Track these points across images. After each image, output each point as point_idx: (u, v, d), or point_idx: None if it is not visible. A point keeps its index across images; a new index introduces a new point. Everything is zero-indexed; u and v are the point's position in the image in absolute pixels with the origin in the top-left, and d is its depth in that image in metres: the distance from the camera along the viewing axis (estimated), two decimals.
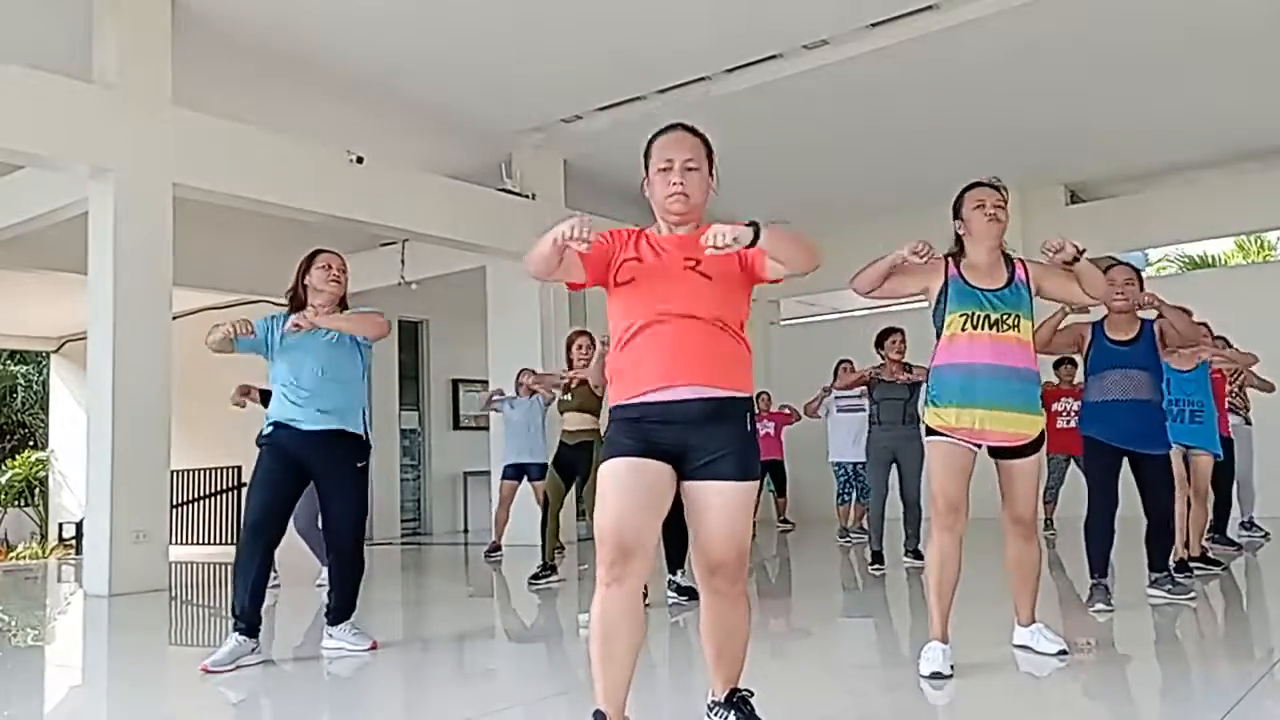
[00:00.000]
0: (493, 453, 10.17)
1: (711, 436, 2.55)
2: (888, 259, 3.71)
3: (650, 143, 2.77)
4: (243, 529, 4.36)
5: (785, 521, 11.24)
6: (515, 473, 8.86)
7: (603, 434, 2.80)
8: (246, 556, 4.27)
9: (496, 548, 8.83)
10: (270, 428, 4.38)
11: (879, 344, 7.26)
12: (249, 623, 4.21)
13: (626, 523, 2.46)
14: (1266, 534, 8.19)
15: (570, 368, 6.71)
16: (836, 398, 9.27)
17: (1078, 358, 5.53)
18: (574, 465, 6.64)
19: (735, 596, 2.64)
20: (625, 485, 2.50)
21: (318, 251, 4.63)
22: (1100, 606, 4.80)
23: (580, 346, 6.67)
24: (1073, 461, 9.09)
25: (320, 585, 6.76)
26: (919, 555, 7.02)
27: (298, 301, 4.53)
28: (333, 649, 4.46)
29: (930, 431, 3.75)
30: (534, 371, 8.64)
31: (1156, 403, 4.95)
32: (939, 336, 3.77)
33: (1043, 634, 3.90)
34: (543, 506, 6.98)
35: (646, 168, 2.76)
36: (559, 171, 10.68)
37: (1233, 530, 7.71)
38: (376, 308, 4.63)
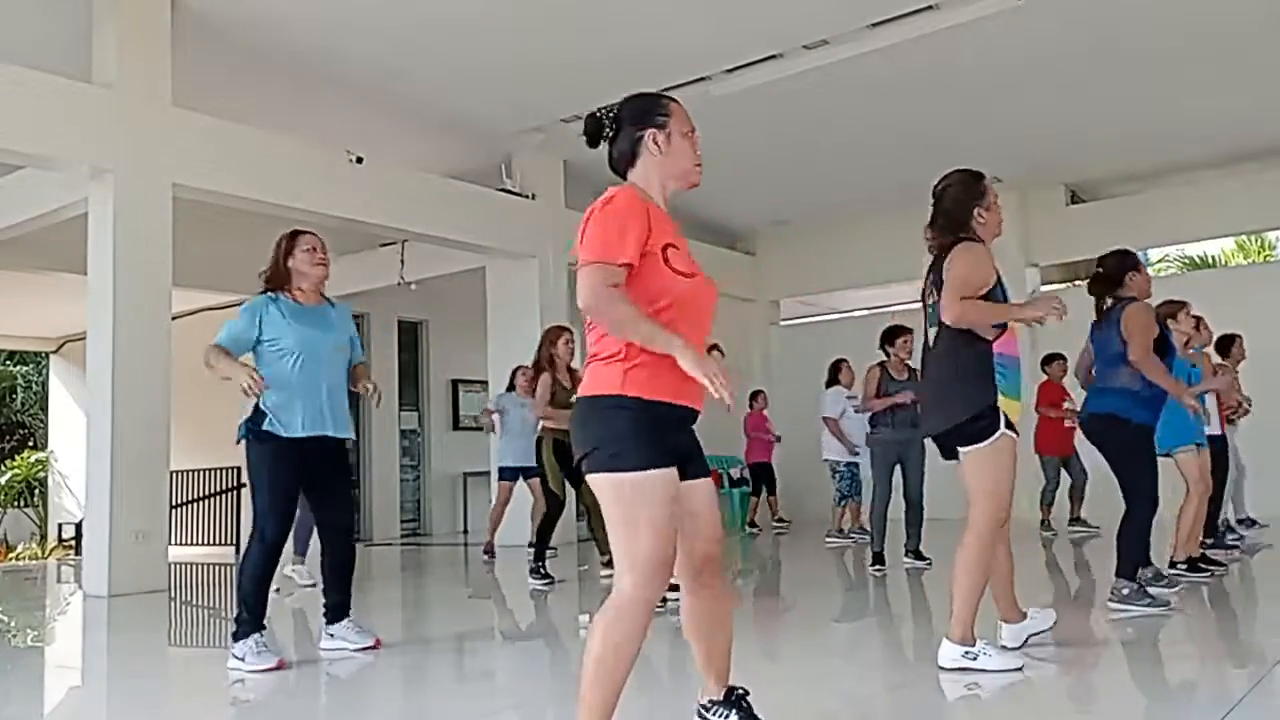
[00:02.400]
0: (493, 453, 10.16)
1: (692, 436, 2.61)
2: (1013, 313, 3.62)
3: (663, 103, 2.65)
4: (264, 536, 4.15)
5: (779, 520, 11.51)
6: (513, 475, 8.84)
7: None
8: (269, 561, 4.19)
9: (491, 549, 8.83)
10: (274, 429, 4.18)
11: (888, 341, 7.18)
12: (260, 621, 4.18)
13: (672, 546, 2.39)
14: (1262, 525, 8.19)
15: (552, 364, 6.69)
16: (850, 398, 9.20)
17: (1066, 353, 5.48)
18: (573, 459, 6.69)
19: (722, 587, 2.66)
20: (670, 506, 2.38)
21: (299, 232, 4.46)
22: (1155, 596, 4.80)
23: (567, 341, 6.69)
24: (1064, 463, 9.11)
25: (308, 585, 6.76)
26: (920, 556, 7.00)
27: (277, 281, 4.35)
28: (334, 649, 4.45)
29: (1008, 424, 3.58)
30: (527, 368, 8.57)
31: None
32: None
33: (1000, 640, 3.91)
34: (550, 502, 6.97)
35: (658, 124, 2.59)
36: (559, 171, 10.69)
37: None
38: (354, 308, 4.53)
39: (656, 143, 2.58)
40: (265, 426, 4.17)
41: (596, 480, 2.40)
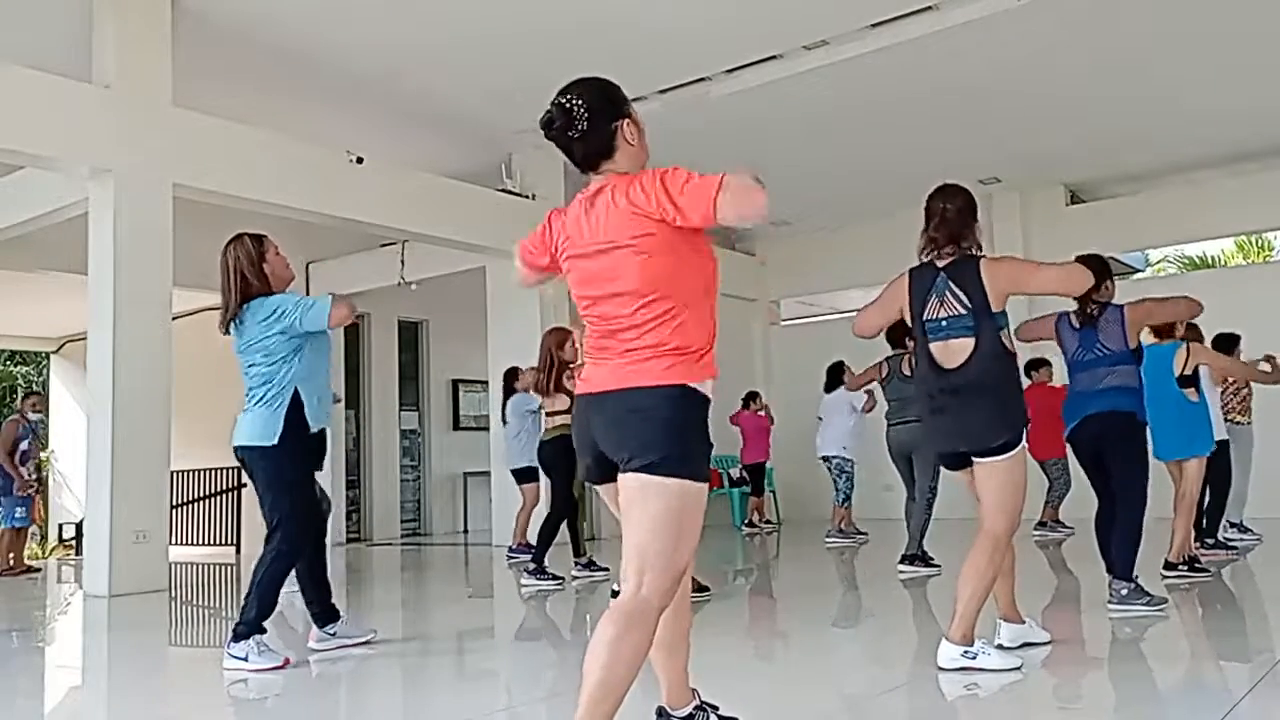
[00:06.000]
0: (493, 453, 10.16)
1: None
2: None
3: (620, 88, 2.51)
4: (298, 538, 4.12)
5: (767, 521, 11.70)
6: (535, 475, 8.70)
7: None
8: (294, 564, 4.20)
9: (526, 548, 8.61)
10: (311, 426, 4.14)
11: (905, 338, 6.80)
12: (263, 624, 4.15)
13: None
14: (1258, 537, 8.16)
15: (562, 364, 6.73)
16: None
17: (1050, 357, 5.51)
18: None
19: (688, 603, 2.62)
20: None
21: (259, 236, 4.34)
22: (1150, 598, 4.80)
23: (572, 344, 6.71)
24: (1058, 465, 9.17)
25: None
26: (917, 561, 6.75)
27: (255, 292, 4.17)
28: (333, 647, 4.46)
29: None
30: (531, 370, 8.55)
31: None
32: (1014, 333, 3.76)
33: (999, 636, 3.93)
34: (567, 504, 6.98)
35: (626, 112, 2.46)
36: (559, 172, 10.65)
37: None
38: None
39: (630, 132, 2.43)
40: (298, 422, 4.07)
41: (666, 484, 2.22)
